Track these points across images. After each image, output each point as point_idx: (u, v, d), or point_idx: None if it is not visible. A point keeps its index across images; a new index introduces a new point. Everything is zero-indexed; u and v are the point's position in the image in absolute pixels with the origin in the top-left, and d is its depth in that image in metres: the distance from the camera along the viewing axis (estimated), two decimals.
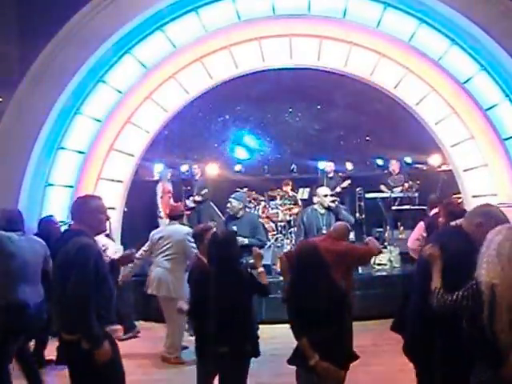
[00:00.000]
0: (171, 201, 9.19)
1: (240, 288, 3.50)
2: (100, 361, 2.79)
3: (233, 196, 6.10)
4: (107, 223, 3.28)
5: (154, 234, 5.67)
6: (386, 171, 9.82)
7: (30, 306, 4.15)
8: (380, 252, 5.13)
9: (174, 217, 5.78)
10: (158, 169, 10.54)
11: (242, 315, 3.49)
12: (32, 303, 4.16)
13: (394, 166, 9.65)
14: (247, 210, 7.11)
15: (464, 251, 2.89)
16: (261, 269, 3.77)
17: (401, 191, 9.25)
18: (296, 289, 3.25)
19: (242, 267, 3.80)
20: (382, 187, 9.36)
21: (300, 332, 3.18)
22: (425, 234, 5.41)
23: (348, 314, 3.29)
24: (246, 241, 5.53)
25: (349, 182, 9.52)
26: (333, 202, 5.87)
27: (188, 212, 8.86)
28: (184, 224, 6.23)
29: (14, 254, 4.20)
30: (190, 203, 9.28)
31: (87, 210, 3.05)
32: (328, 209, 5.82)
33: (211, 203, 9.75)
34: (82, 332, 2.80)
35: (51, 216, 5.83)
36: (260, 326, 6.00)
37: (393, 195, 9.14)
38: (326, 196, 5.87)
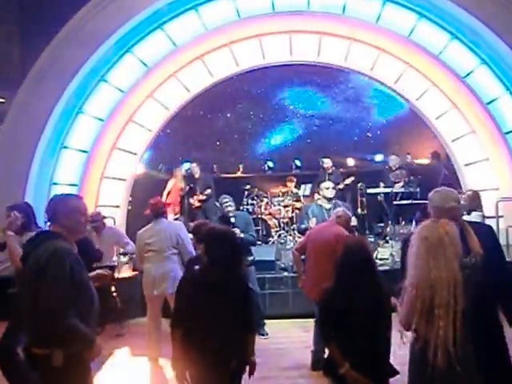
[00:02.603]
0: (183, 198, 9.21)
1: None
2: (92, 358, 2.56)
3: (228, 199, 6.16)
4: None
5: (143, 234, 5.38)
6: (386, 167, 9.82)
7: None
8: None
9: (157, 215, 5.37)
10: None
11: None
12: None
13: (394, 161, 9.65)
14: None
15: None
16: None
17: (402, 186, 9.26)
18: (339, 288, 2.93)
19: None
20: (381, 185, 9.38)
21: (330, 336, 2.93)
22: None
23: (387, 322, 2.88)
24: (242, 235, 5.77)
25: (352, 178, 9.50)
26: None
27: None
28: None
29: None
30: (194, 202, 9.28)
31: (64, 210, 2.68)
32: (331, 199, 5.91)
33: (215, 201, 9.74)
34: (60, 343, 2.46)
35: None
36: (265, 322, 6.11)
37: (394, 190, 9.16)
38: (333, 188, 6.04)
